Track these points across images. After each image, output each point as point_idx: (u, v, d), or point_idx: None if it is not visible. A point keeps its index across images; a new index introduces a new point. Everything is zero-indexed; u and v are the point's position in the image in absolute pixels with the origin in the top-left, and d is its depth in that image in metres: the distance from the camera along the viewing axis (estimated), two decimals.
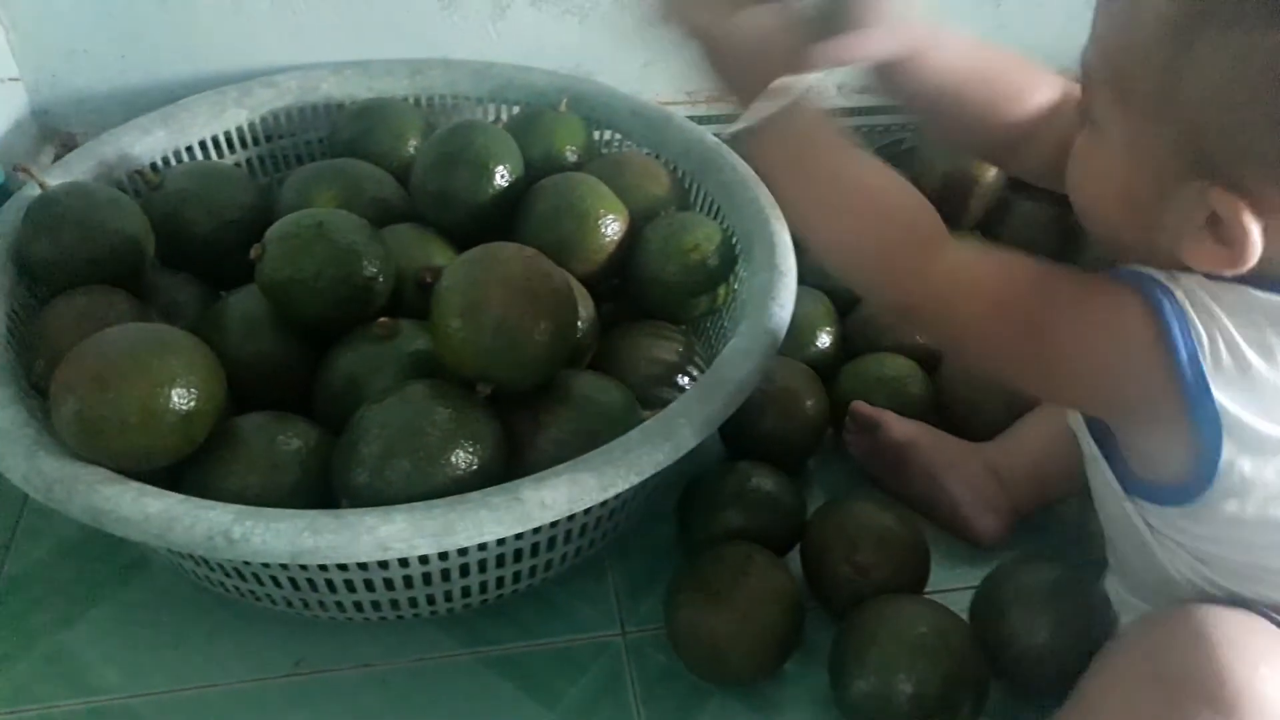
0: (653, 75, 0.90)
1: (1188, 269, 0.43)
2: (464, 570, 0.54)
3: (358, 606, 0.56)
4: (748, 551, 0.58)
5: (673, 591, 0.59)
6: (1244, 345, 0.41)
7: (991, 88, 0.56)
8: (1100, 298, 0.44)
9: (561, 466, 0.50)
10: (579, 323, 0.59)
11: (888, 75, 0.55)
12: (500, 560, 0.55)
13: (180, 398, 0.49)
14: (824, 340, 0.76)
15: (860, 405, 0.69)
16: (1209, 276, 0.42)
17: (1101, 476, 0.51)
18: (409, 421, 0.51)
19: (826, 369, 0.75)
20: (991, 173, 0.87)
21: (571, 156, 0.76)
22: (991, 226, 0.88)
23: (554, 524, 0.54)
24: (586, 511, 0.56)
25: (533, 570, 0.58)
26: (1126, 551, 0.53)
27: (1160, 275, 0.43)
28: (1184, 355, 0.41)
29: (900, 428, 0.67)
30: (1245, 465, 0.42)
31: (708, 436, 0.69)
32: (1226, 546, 0.46)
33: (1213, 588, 0.48)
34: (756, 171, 0.55)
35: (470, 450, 0.51)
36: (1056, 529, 0.68)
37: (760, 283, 0.63)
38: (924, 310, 0.48)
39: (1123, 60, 0.42)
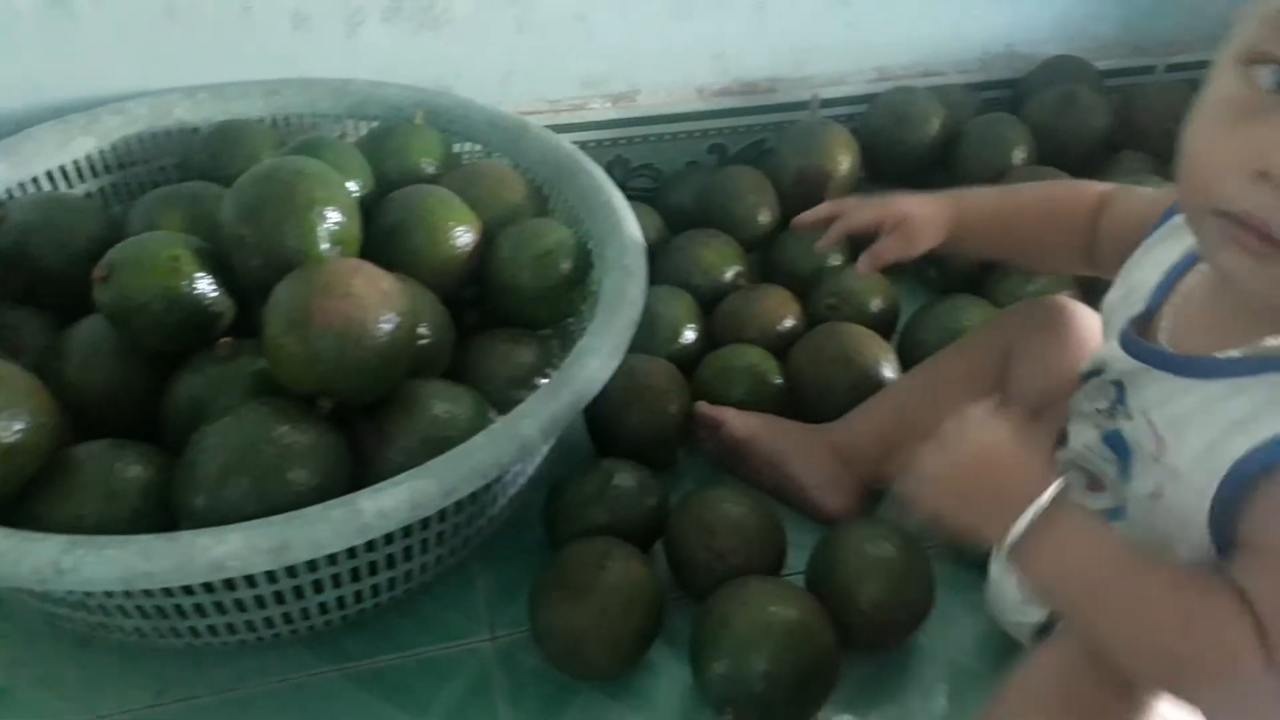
0: (513, 85, 0.91)
1: None
2: (317, 586, 0.54)
3: (213, 630, 0.55)
4: (605, 546, 0.59)
5: (534, 591, 0.59)
6: None
7: (1043, 224, 0.62)
8: None
9: (403, 475, 0.50)
10: (421, 330, 0.60)
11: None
12: (355, 574, 0.55)
13: (1, 430, 0.48)
14: (688, 336, 0.78)
15: (701, 407, 0.71)
16: None
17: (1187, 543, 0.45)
18: (246, 440, 0.51)
19: (692, 364, 0.77)
20: (845, 166, 0.90)
21: (429, 169, 0.76)
22: None
23: (409, 533, 0.55)
24: (443, 519, 0.56)
25: (392, 582, 0.58)
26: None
27: None
28: None
29: (740, 424, 0.69)
30: None
31: (579, 436, 0.72)
32: None
33: None
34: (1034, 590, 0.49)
35: (310, 466, 0.51)
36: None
37: (611, 283, 0.65)
38: None
39: None
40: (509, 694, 0.60)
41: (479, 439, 0.53)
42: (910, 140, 0.91)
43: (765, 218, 0.89)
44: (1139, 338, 0.49)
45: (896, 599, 0.60)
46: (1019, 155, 0.88)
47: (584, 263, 0.69)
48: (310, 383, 0.53)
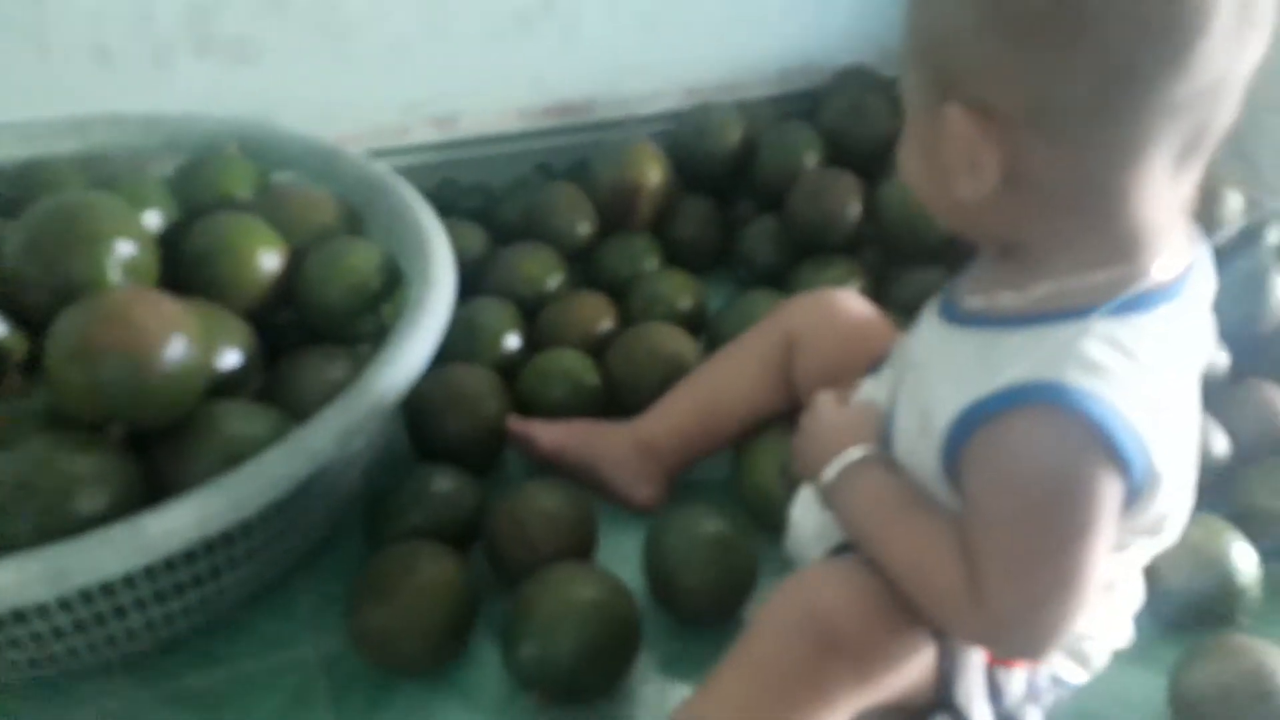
0: (335, 114, 0.93)
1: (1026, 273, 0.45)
2: (119, 611, 0.55)
3: (14, 666, 0.55)
4: (413, 548, 0.62)
5: (348, 597, 0.61)
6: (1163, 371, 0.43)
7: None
8: (1090, 500, 0.43)
9: (191, 492, 0.52)
10: (226, 353, 0.61)
11: None
12: (161, 595, 0.56)
13: None
14: (511, 343, 0.82)
15: (511, 423, 0.74)
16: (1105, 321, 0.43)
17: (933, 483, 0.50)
18: (30, 471, 0.51)
19: (517, 370, 0.80)
20: (655, 178, 0.95)
21: (243, 198, 0.77)
22: (662, 226, 0.96)
23: (213, 550, 0.56)
24: (249, 534, 0.58)
25: (205, 601, 0.59)
26: None
27: (1078, 385, 0.42)
28: (1138, 468, 0.43)
29: (547, 435, 0.73)
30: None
31: (403, 446, 0.75)
32: None
33: None
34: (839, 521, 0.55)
35: (97, 494, 0.52)
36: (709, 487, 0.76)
37: (415, 296, 0.67)
38: (1003, 645, 0.48)
39: (904, 37, 0.45)
40: (332, 700, 0.61)
41: (272, 453, 0.54)
42: (713, 151, 0.97)
43: (584, 229, 0.94)
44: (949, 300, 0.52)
45: (720, 576, 0.64)
46: (811, 159, 0.94)
47: (392, 278, 0.71)
48: (96, 412, 0.54)
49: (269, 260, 0.69)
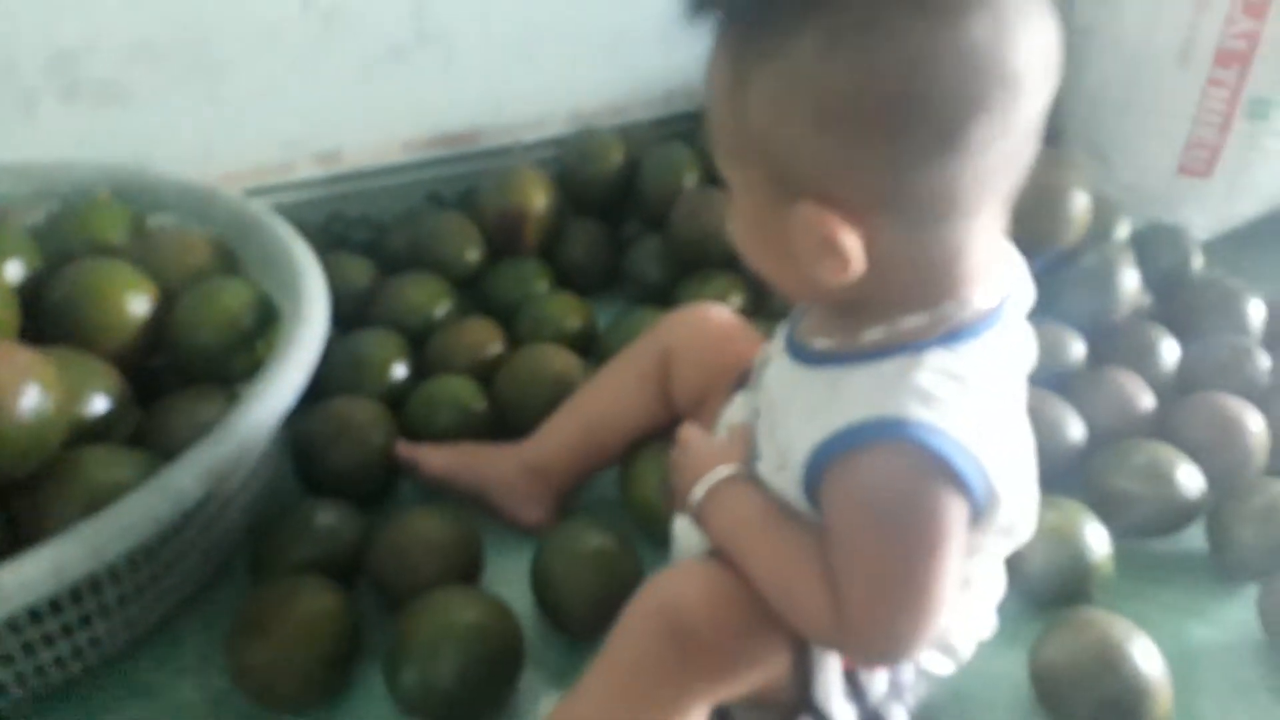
0: (215, 155, 0.93)
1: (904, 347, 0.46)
2: None
3: None
4: (292, 582, 0.62)
5: (227, 637, 0.61)
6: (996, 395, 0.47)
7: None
8: (937, 522, 0.46)
9: (48, 541, 0.52)
10: (92, 399, 0.61)
11: None
12: (29, 648, 0.56)
13: None
14: (398, 373, 0.83)
15: (399, 448, 0.75)
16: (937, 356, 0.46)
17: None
18: None
19: (406, 398, 0.81)
20: (541, 203, 0.97)
21: (116, 244, 0.77)
22: (551, 250, 0.98)
23: (82, 600, 0.56)
24: (117, 581, 0.58)
25: (79, 651, 0.59)
26: None
27: (919, 416, 0.44)
28: (978, 490, 0.46)
29: (435, 461, 0.74)
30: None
31: (289, 482, 0.75)
32: None
33: None
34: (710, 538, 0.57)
35: None
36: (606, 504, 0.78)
37: (287, 332, 0.68)
38: (863, 654, 0.50)
39: (716, 123, 0.47)
40: None
41: (135, 496, 0.55)
42: (597, 174, 1.00)
43: (472, 256, 0.95)
44: (793, 333, 0.55)
45: (605, 590, 0.65)
46: (690, 179, 0.98)
47: (266, 315, 0.72)
48: None
49: (137, 304, 0.69)
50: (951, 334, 0.47)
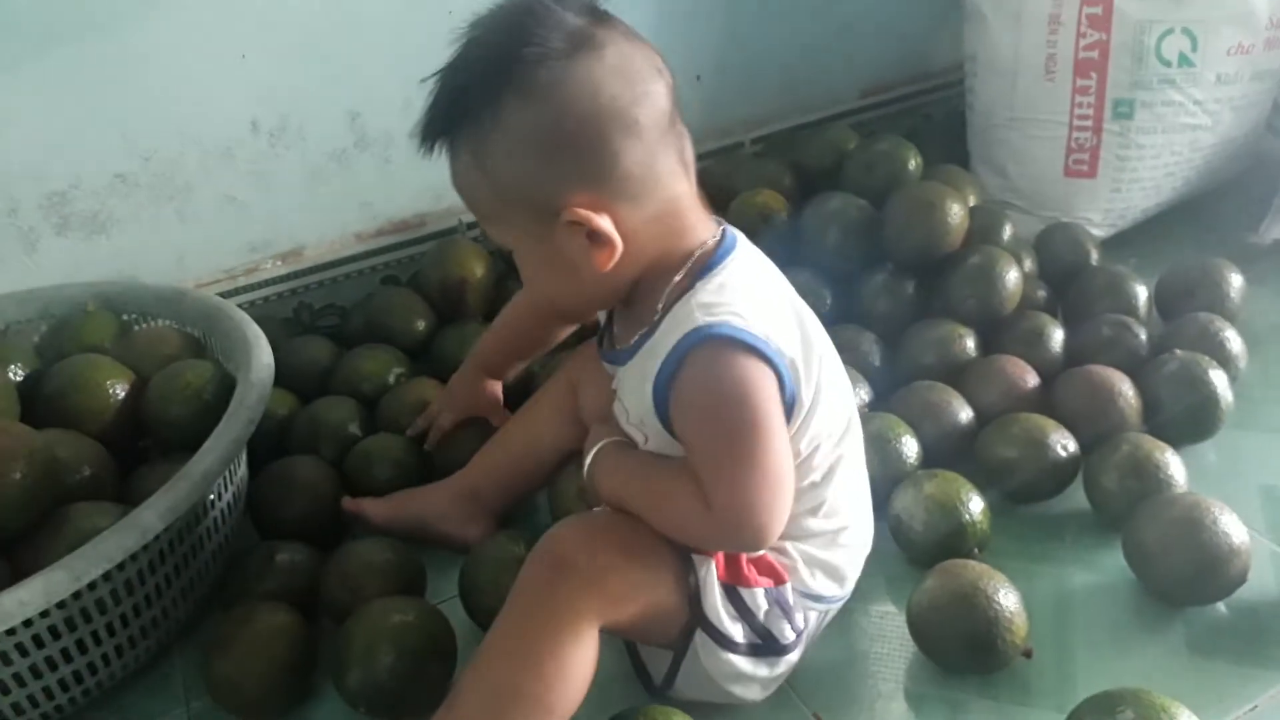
0: (189, 263, 1.07)
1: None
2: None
3: None
4: (251, 605, 0.72)
5: (203, 657, 0.72)
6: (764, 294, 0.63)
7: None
8: (753, 391, 0.58)
9: (40, 571, 0.63)
10: (81, 468, 0.74)
11: None
12: (36, 671, 0.66)
13: None
14: (353, 432, 0.94)
15: (345, 503, 0.86)
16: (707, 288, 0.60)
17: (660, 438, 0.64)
18: None
19: None
20: (479, 272, 1.09)
21: (104, 345, 0.91)
22: (494, 312, 1.09)
23: (75, 628, 0.67)
24: (104, 610, 0.68)
25: (77, 676, 0.69)
26: None
27: (730, 322, 0.58)
28: (786, 378, 0.59)
29: (377, 511, 0.85)
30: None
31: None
32: None
33: None
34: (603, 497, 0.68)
35: None
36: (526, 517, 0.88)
37: (238, 395, 0.80)
38: (739, 537, 0.61)
39: (478, 205, 0.63)
40: None
41: (107, 532, 0.66)
42: None
43: (420, 325, 1.08)
44: (609, 348, 0.69)
45: None
46: None
47: (225, 387, 0.84)
48: None
49: (116, 390, 0.82)
50: (705, 269, 0.62)
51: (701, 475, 0.59)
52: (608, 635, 0.62)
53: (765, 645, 0.66)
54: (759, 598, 0.65)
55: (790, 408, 0.61)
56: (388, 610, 0.70)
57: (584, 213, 0.58)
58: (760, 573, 0.65)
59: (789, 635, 0.66)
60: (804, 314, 0.66)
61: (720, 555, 0.64)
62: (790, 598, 0.66)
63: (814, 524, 0.67)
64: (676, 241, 0.62)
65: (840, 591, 0.70)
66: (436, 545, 0.84)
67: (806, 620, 0.68)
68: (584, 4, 0.60)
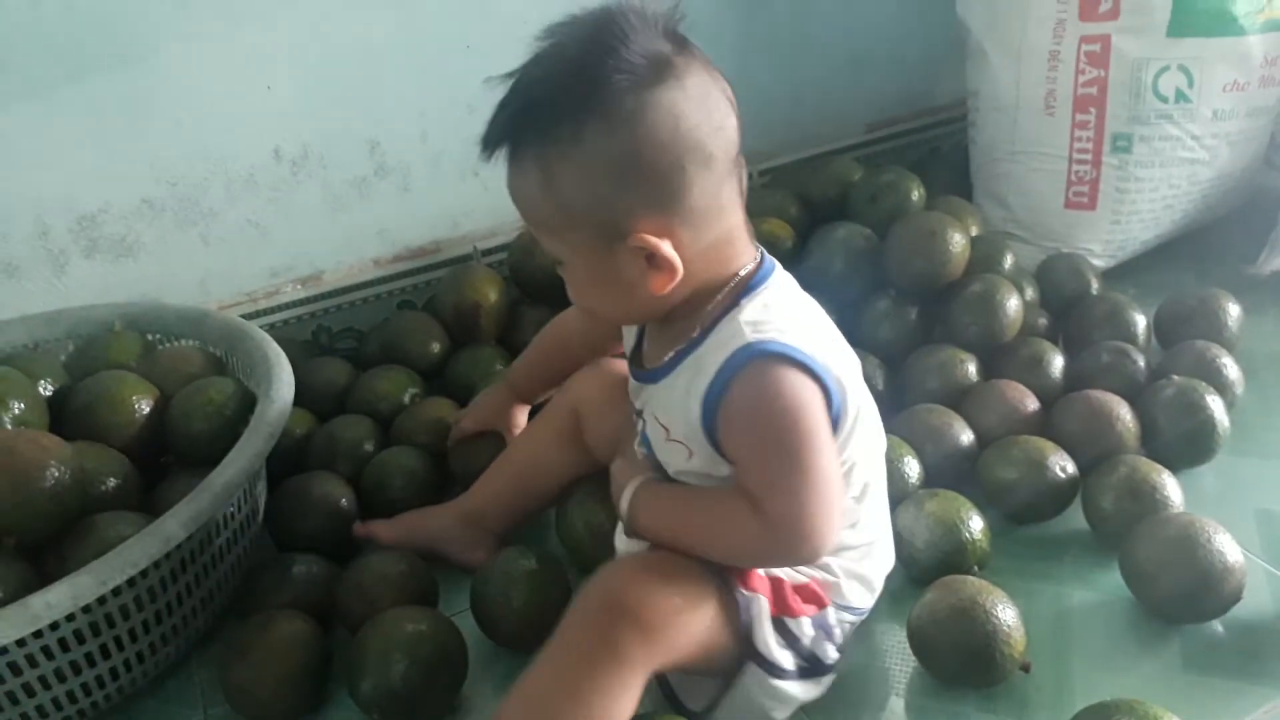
0: (212, 286, 1.11)
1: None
2: (11, 697, 0.67)
3: None
4: (270, 614, 0.74)
5: (219, 663, 0.74)
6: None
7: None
8: (803, 407, 0.59)
9: (67, 576, 0.65)
10: (106, 478, 0.77)
11: None
12: (60, 675, 0.68)
13: None
14: (369, 450, 0.96)
15: (356, 529, 0.88)
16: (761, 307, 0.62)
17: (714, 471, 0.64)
18: None
19: None
20: (493, 296, 1.12)
21: (130, 363, 0.94)
22: (507, 336, 1.13)
23: (99, 633, 0.69)
24: (126, 616, 0.70)
25: (100, 681, 0.71)
26: None
27: (776, 340, 0.60)
28: (834, 394, 0.61)
29: (387, 532, 0.87)
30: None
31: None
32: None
33: None
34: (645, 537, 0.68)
35: None
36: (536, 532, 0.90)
37: (259, 411, 0.82)
38: (800, 549, 0.61)
39: (535, 217, 0.62)
40: None
41: (132, 540, 0.68)
42: (541, 266, 1.14)
43: (435, 348, 1.10)
44: (638, 367, 0.71)
45: (536, 605, 0.76)
46: None
47: (246, 405, 0.86)
48: None
49: (141, 405, 0.85)
50: (747, 289, 0.63)
51: (756, 490, 0.60)
52: None
53: (811, 667, 0.67)
54: (805, 625, 0.67)
55: (835, 423, 0.62)
56: (401, 620, 0.72)
57: (651, 239, 0.59)
58: (805, 600, 0.67)
59: (832, 655, 0.68)
60: (839, 335, 0.68)
61: (770, 590, 0.65)
62: (832, 619, 0.68)
63: (851, 537, 0.69)
64: (724, 266, 0.63)
65: (871, 601, 0.72)
66: (441, 564, 0.86)
67: (845, 635, 0.70)
68: (667, 27, 0.60)
